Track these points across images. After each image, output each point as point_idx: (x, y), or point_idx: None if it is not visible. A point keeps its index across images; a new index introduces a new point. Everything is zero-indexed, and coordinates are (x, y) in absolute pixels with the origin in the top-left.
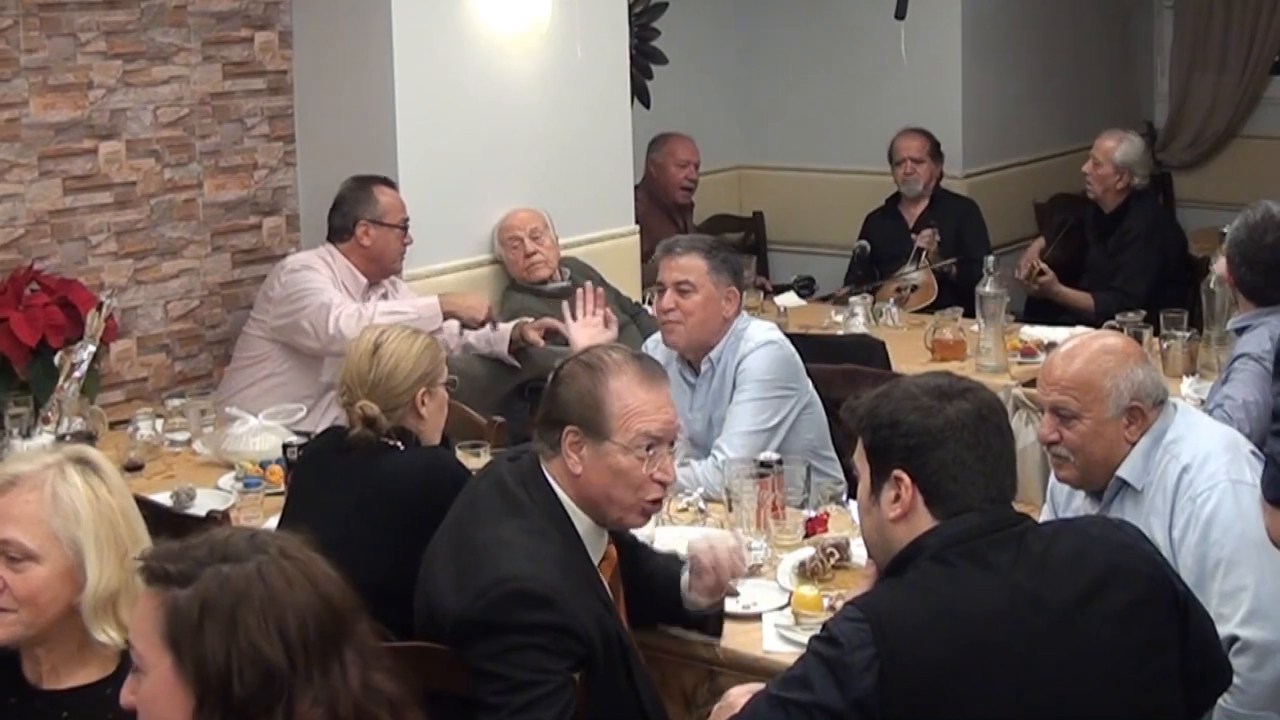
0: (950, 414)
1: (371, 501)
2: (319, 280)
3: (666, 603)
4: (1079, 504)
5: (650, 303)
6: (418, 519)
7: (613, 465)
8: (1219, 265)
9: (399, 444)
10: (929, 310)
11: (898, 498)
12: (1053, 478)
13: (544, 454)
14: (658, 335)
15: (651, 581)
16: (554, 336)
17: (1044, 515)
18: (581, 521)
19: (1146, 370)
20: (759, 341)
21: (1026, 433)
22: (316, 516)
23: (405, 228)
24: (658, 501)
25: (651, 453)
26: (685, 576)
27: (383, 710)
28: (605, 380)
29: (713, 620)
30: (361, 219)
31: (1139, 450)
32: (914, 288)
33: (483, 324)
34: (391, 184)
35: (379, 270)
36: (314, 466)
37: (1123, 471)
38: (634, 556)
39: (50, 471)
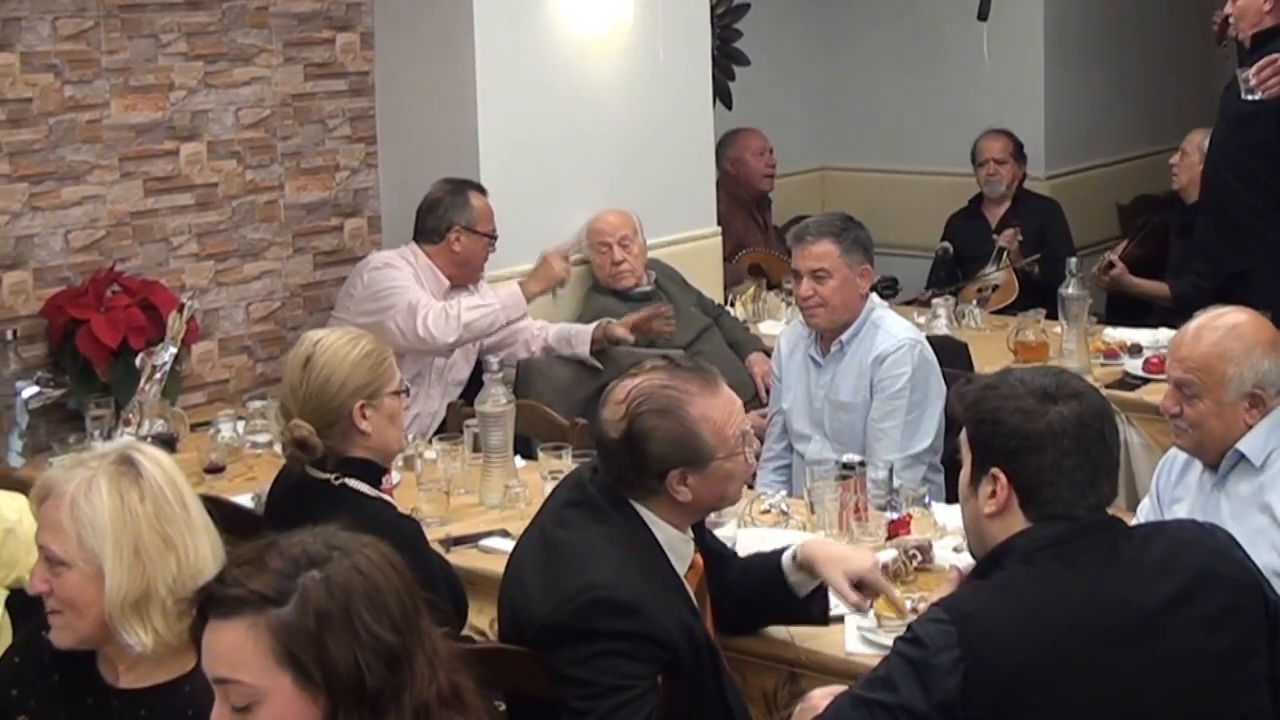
0: (1052, 419)
1: None
2: (403, 278)
3: (767, 594)
4: (1192, 479)
5: (732, 304)
6: None
7: (723, 475)
8: None
9: (346, 481)
10: (1010, 310)
11: (994, 494)
12: (1158, 465)
13: (634, 497)
14: (796, 319)
15: (747, 575)
16: (640, 334)
17: (1147, 500)
18: (663, 531)
19: (1274, 360)
20: (901, 340)
21: None
22: None
23: (494, 237)
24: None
25: (745, 440)
26: (787, 559)
27: (455, 660)
28: (686, 413)
29: (820, 597)
30: (455, 224)
31: (1261, 427)
32: (995, 287)
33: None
34: (484, 190)
35: (463, 276)
36: (278, 519)
37: (1242, 445)
38: (721, 562)
39: (80, 482)
